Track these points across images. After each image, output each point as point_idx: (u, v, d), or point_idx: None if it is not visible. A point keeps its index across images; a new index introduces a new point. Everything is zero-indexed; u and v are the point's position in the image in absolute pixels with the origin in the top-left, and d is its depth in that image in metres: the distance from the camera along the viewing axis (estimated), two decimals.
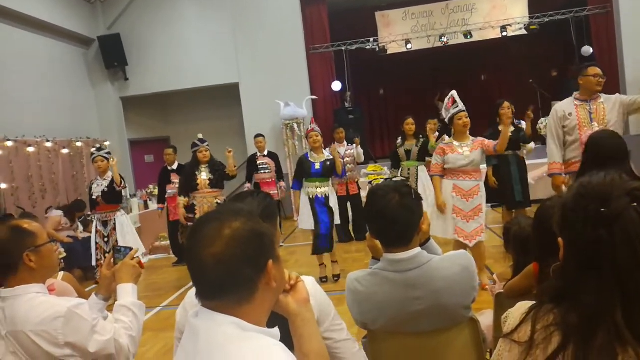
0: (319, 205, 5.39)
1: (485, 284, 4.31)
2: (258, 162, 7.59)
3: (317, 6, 10.52)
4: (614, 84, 9.17)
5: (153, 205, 8.76)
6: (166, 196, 7.51)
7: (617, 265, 1.02)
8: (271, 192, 7.21)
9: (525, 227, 2.38)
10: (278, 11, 10.20)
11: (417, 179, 6.13)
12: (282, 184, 7.77)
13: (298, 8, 10.29)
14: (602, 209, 1.04)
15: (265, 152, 7.73)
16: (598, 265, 1.04)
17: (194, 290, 1.47)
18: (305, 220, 5.51)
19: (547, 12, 10.24)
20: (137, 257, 1.93)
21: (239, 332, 1.01)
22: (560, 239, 1.14)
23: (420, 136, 6.37)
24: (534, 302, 1.18)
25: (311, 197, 5.42)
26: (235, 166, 5.94)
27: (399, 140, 6.39)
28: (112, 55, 10.46)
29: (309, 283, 1.51)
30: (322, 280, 5.46)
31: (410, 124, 6.19)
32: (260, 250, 1.07)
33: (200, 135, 6.09)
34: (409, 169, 6.16)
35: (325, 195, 5.43)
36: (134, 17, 10.62)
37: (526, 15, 10.55)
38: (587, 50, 9.79)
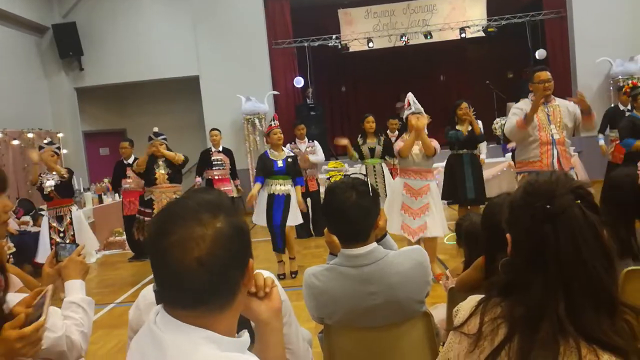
0: (277, 203, 5.37)
1: (439, 274, 4.43)
2: (212, 158, 7.33)
3: (279, 1, 10.46)
4: (566, 86, 9.52)
5: (108, 200, 8.54)
6: (122, 190, 7.33)
7: (561, 260, 1.06)
8: (224, 189, 7.15)
9: (477, 223, 2.44)
10: (240, 4, 10.09)
11: (383, 176, 6.19)
12: (237, 182, 7.49)
13: (261, 2, 10.21)
14: (548, 206, 1.08)
15: (220, 148, 7.45)
16: (543, 260, 1.08)
17: (148, 288, 1.45)
18: (258, 215, 5.50)
19: (504, 15, 10.53)
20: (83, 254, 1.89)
21: (218, 354, 0.91)
22: (508, 235, 1.18)
23: (380, 134, 6.43)
24: (484, 296, 1.21)
25: (270, 193, 5.41)
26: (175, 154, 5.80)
27: (360, 138, 6.41)
28: (67, 45, 10.10)
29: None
30: (280, 277, 5.44)
31: (370, 122, 6.23)
32: (244, 248, 0.99)
33: (155, 129, 5.96)
34: (374, 167, 6.21)
35: (286, 193, 5.42)
36: (91, 5, 10.29)
37: (484, 17, 10.81)
38: (542, 53, 10.13)
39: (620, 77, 9.11)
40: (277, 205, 5.38)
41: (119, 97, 11.54)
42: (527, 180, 1.19)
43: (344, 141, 6.27)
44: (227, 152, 7.48)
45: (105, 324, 4.54)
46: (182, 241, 0.92)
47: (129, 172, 7.10)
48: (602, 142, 7.10)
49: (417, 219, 4.63)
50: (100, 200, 8.45)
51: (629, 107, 6.72)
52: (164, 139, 5.80)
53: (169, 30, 10.21)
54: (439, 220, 4.71)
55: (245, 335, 1.01)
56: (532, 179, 1.18)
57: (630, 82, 7.70)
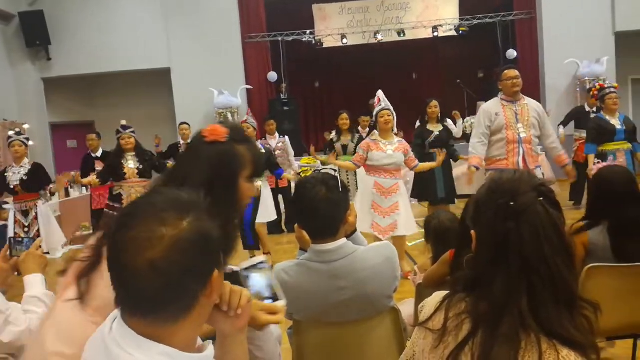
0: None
1: (407, 271, 4.50)
2: (181, 152, 7.32)
3: None
4: (534, 87, 9.73)
5: (75, 193, 8.35)
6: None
7: (524, 256, 1.09)
8: None
9: (444, 221, 2.50)
10: None
11: (355, 172, 6.22)
12: None
13: None
14: (511, 203, 1.11)
15: (190, 141, 7.39)
16: (507, 257, 1.10)
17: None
18: None
19: (476, 15, 10.68)
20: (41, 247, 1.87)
21: None
22: (473, 231, 1.20)
23: (355, 131, 6.47)
24: (449, 292, 1.23)
25: None
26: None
27: (334, 134, 6.43)
28: (34, 33, 9.80)
29: None
30: None
31: (344, 119, 6.25)
32: (208, 258, 0.90)
33: (123, 122, 5.86)
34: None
35: (257, 189, 5.42)
36: None
37: (457, 17, 10.93)
38: (512, 53, 10.31)
39: (586, 78, 9.35)
40: (249, 205, 5.35)
41: (87, 88, 11.28)
42: (491, 178, 1.22)
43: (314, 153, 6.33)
44: None
45: None
46: (138, 239, 0.85)
47: (98, 165, 6.97)
48: (561, 130, 7.40)
49: (387, 217, 4.69)
50: (67, 194, 8.26)
51: (595, 109, 6.93)
52: (132, 132, 5.71)
53: (140, 21, 10.02)
54: (407, 219, 4.78)
55: (209, 349, 0.96)
56: (497, 177, 1.21)
57: (597, 84, 7.90)
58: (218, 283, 0.94)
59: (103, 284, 1.19)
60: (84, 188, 8.14)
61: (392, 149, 4.73)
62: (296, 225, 1.94)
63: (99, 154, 7.10)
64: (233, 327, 1.06)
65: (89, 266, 1.25)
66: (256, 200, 5.36)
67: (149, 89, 10.85)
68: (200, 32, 9.94)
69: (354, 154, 6.17)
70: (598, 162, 2.94)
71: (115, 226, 0.90)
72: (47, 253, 6.26)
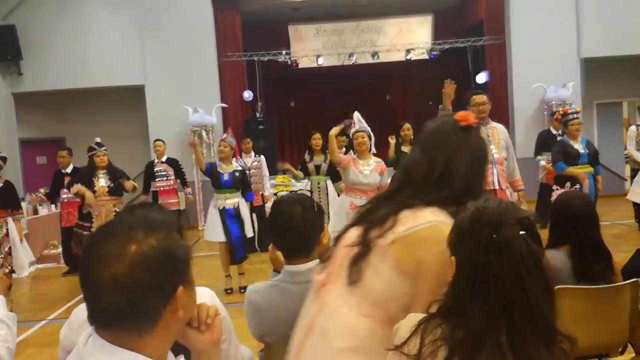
0: (229, 217, 5.34)
1: None
2: (155, 169, 7.13)
3: (230, 14, 10.43)
4: (504, 110, 9.99)
5: (43, 211, 8.16)
6: (59, 201, 7.03)
7: (504, 289, 1.09)
8: (170, 202, 7.01)
9: None
10: (189, 14, 9.97)
11: (327, 193, 6.25)
12: (188, 189, 7.30)
13: (210, 14, 10.14)
14: (494, 235, 1.11)
15: (164, 158, 7.25)
16: (486, 288, 1.10)
17: (81, 306, 1.41)
18: (212, 231, 5.42)
19: (448, 39, 10.95)
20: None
21: None
22: (453, 258, 1.21)
23: (327, 151, 6.51)
24: (424, 315, 1.25)
25: (220, 208, 5.36)
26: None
27: (307, 155, 6.45)
28: (5, 48, 9.62)
29: (206, 295, 1.50)
30: (227, 292, 5.39)
31: (317, 139, 6.29)
32: (172, 275, 0.93)
33: (97, 139, 5.79)
34: (319, 183, 6.26)
35: (235, 206, 5.38)
36: (32, 8, 9.86)
37: (429, 41, 11.20)
38: (482, 77, 10.59)
39: (553, 102, 9.64)
40: (230, 219, 5.34)
41: (59, 104, 11.08)
42: (475, 206, 1.21)
43: (287, 165, 6.31)
44: (171, 161, 7.28)
45: (36, 341, 4.33)
46: (104, 256, 0.89)
47: (68, 182, 6.85)
48: (542, 162, 7.45)
49: None
50: (35, 212, 8.07)
51: (560, 131, 7.13)
52: (105, 150, 5.66)
53: (114, 38, 9.95)
54: None
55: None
56: (481, 205, 1.20)
57: (561, 109, 8.16)
58: (185, 299, 0.96)
59: (373, 276, 1.32)
60: (53, 206, 7.97)
61: (368, 169, 4.81)
62: (270, 246, 1.95)
63: (69, 170, 6.98)
64: (205, 342, 1.07)
65: (359, 255, 1.34)
66: (237, 215, 5.36)
67: (121, 105, 10.73)
68: (176, 50, 9.92)
69: (327, 175, 6.23)
70: (557, 189, 3.02)
71: (87, 244, 0.94)
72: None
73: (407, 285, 1.33)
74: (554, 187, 4.92)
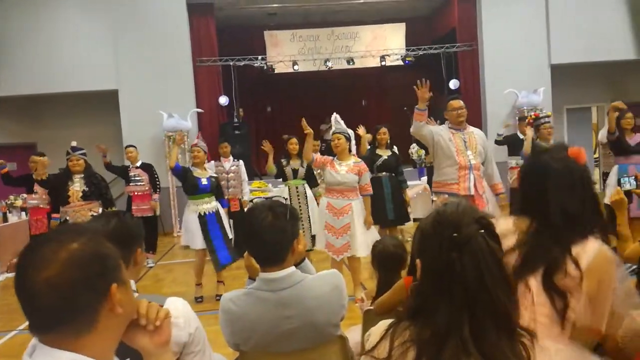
0: (211, 222, 5.30)
1: (359, 298, 4.53)
2: (130, 174, 7.08)
3: (205, 19, 10.38)
4: (476, 115, 10.15)
5: (13, 218, 7.97)
6: (29, 207, 6.88)
7: (466, 285, 1.14)
8: (144, 207, 6.93)
9: (389, 246, 2.55)
10: (164, 19, 9.89)
11: (306, 197, 6.24)
12: (156, 196, 7.17)
13: (185, 18, 10.08)
14: (455, 234, 1.17)
15: (139, 163, 7.20)
16: (450, 286, 1.15)
17: None
18: (192, 238, 5.35)
19: (421, 45, 11.10)
20: None
21: None
22: (418, 261, 1.25)
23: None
24: (393, 320, 1.28)
25: (201, 214, 5.31)
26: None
27: (283, 159, 6.43)
28: None
29: (179, 305, 1.50)
30: (197, 300, 5.33)
31: (293, 144, 6.27)
32: (102, 273, 0.97)
33: (74, 143, 5.69)
34: (297, 188, 6.25)
35: (214, 210, 5.37)
36: (4, 12, 9.65)
37: (403, 47, 11.33)
38: (455, 83, 10.75)
39: (524, 107, 9.85)
40: (212, 224, 5.29)
41: (30, 109, 10.85)
42: (436, 210, 1.27)
43: (268, 146, 6.23)
44: (145, 167, 7.22)
45: (5, 352, 4.23)
46: (36, 261, 0.93)
47: (37, 188, 6.71)
48: (514, 162, 7.65)
49: (340, 238, 4.76)
50: (5, 219, 7.88)
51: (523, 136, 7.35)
52: (83, 154, 5.55)
53: (87, 42, 9.80)
54: (362, 241, 4.79)
55: None
56: (441, 209, 1.26)
57: (532, 113, 8.35)
58: (122, 297, 0.99)
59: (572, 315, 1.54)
60: (23, 212, 7.79)
61: (344, 170, 4.81)
62: (246, 254, 1.95)
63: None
64: (154, 343, 1.09)
65: (564, 308, 1.54)
66: (219, 220, 5.35)
67: (95, 110, 10.56)
68: (150, 54, 9.82)
69: (304, 179, 6.23)
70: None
71: (20, 256, 0.98)
72: None
73: (589, 306, 1.56)
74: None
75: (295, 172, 6.18)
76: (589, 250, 1.57)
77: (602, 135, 7.43)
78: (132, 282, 1.61)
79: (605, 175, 7.25)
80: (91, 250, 0.97)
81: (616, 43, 10.28)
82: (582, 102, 11.27)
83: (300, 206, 6.04)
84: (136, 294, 1.54)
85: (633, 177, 3.06)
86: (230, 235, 5.51)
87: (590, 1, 10.16)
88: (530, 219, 1.64)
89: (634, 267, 2.51)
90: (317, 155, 4.99)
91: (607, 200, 6.62)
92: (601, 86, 11.15)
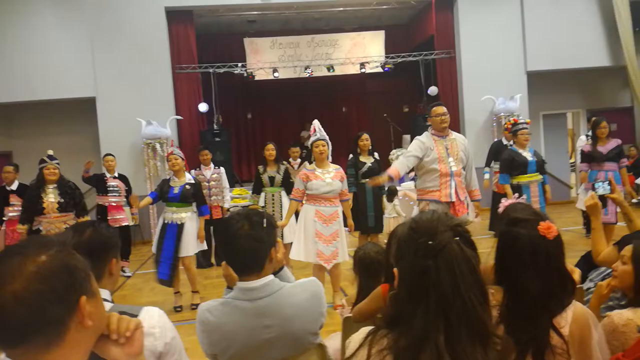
0: (170, 233, 5.19)
1: (339, 305, 4.54)
2: (107, 184, 6.95)
3: (184, 26, 10.32)
4: (455, 122, 10.27)
5: None
6: (4, 219, 6.73)
7: (441, 292, 1.15)
8: (119, 217, 6.84)
9: (370, 253, 2.56)
10: (143, 25, 9.80)
11: (281, 205, 6.23)
12: (135, 210, 7.13)
13: (164, 25, 10.00)
14: (430, 242, 1.18)
15: (116, 174, 7.11)
16: (426, 293, 1.16)
17: None
18: (155, 244, 5.33)
19: (400, 53, 11.21)
20: None
21: None
22: (395, 269, 1.26)
23: (282, 163, 6.50)
24: (372, 327, 1.28)
25: (166, 222, 5.26)
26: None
27: (260, 166, 6.41)
28: None
29: (155, 316, 1.48)
30: (177, 310, 5.27)
31: (270, 150, 6.25)
32: (71, 285, 0.95)
33: (50, 152, 5.60)
34: (273, 195, 6.24)
35: (179, 222, 5.22)
36: None
37: (382, 54, 11.43)
38: (434, 90, 10.87)
39: (502, 114, 9.99)
40: (169, 235, 5.18)
41: (5, 117, 10.64)
42: (412, 218, 1.30)
43: None
44: (122, 178, 7.15)
45: None
46: (2, 274, 0.91)
47: (13, 199, 6.57)
48: (487, 175, 7.67)
49: (330, 245, 4.78)
50: None
51: (511, 142, 7.39)
52: (57, 163, 5.48)
53: (64, 48, 9.65)
54: (344, 246, 4.91)
55: None
56: (417, 217, 1.29)
57: (511, 119, 8.46)
58: (91, 310, 0.98)
59: None
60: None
61: (329, 177, 4.85)
62: (223, 263, 1.93)
63: (14, 187, 6.70)
64: (126, 354, 1.08)
65: None
66: (178, 233, 5.22)
67: (72, 118, 10.40)
68: (129, 61, 9.72)
69: (281, 186, 6.22)
70: (505, 200, 3.10)
71: None
72: None
73: None
74: (503, 199, 5.09)
75: (272, 179, 6.17)
76: (568, 316, 1.56)
77: (582, 140, 7.59)
78: (107, 292, 1.59)
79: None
80: (59, 263, 0.96)
81: (590, 51, 10.53)
82: (558, 108, 11.49)
83: (274, 214, 6.00)
84: (111, 305, 1.51)
85: (607, 182, 3.12)
86: (195, 250, 5.41)
87: (565, 10, 10.38)
88: (504, 291, 1.59)
89: (608, 270, 2.55)
90: (296, 194, 4.98)
91: (581, 205, 6.78)
92: (576, 93, 11.39)
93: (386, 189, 6.98)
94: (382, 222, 6.15)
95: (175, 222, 5.22)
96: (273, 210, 6.05)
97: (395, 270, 1.26)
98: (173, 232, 5.18)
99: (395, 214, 7.30)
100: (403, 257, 1.24)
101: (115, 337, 1.06)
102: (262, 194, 6.24)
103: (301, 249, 4.88)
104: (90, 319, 0.97)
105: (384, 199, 6.29)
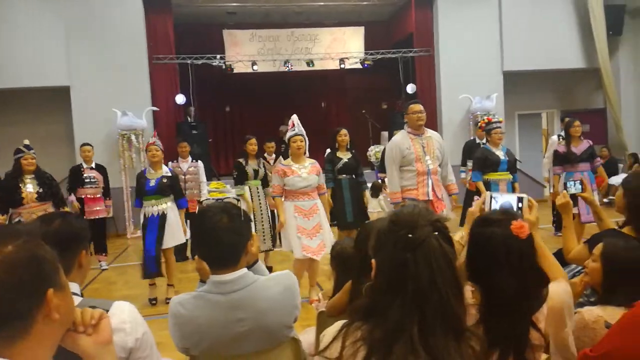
0: (151, 224, 5.14)
1: (315, 299, 4.56)
2: (84, 175, 6.74)
3: (162, 16, 10.16)
4: (432, 119, 10.34)
5: None
6: None
7: (418, 285, 1.16)
8: (98, 209, 6.71)
9: (347, 248, 2.57)
10: (119, 14, 9.60)
11: (265, 197, 6.22)
12: (110, 202, 6.95)
13: (141, 14, 9.83)
14: (410, 235, 1.19)
15: (93, 165, 6.88)
16: (403, 285, 1.17)
17: None
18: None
19: (380, 49, 11.25)
20: None
21: None
22: (373, 260, 1.27)
23: (262, 157, 6.49)
24: (347, 321, 1.29)
25: (146, 216, 5.19)
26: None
27: (242, 159, 6.38)
28: None
29: (126, 310, 1.46)
30: (152, 302, 5.20)
31: (254, 144, 6.25)
32: (38, 277, 0.93)
33: (26, 141, 5.47)
34: (257, 188, 6.23)
35: (161, 213, 5.18)
36: None
37: (362, 51, 11.46)
38: (412, 87, 10.94)
39: (478, 113, 10.11)
40: (151, 227, 5.13)
41: None
42: (393, 211, 1.31)
43: None
44: (100, 168, 6.94)
45: None
46: None
47: None
48: (463, 175, 7.74)
49: (314, 238, 4.80)
50: None
51: (484, 140, 7.46)
52: (34, 153, 5.37)
53: (38, 35, 9.39)
54: (331, 237, 4.96)
55: None
56: (398, 211, 1.30)
57: (485, 117, 8.57)
58: (59, 302, 0.96)
59: None
60: None
61: (306, 171, 4.86)
62: (196, 257, 1.91)
63: None
64: (95, 344, 1.07)
65: None
66: (160, 225, 5.17)
67: (45, 107, 10.14)
68: (105, 50, 9.52)
69: (264, 179, 6.21)
70: (477, 198, 3.13)
71: None
72: None
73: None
74: (476, 197, 5.19)
75: (255, 172, 6.16)
76: (544, 310, 1.59)
77: (553, 140, 7.72)
78: (77, 285, 1.56)
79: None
80: (27, 254, 0.93)
81: (565, 52, 10.73)
82: (533, 108, 11.68)
83: (261, 206, 6.05)
84: (81, 299, 1.48)
85: (579, 182, 3.18)
86: (182, 240, 5.37)
87: (542, 11, 10.54)
88: (480, 291, 1.57)
89: (579, 268, 2.61)
90: (276, 190, 4.96)
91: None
92: (551, 93, 11.59)
93: (369, 185, 7.00)
94: (362, 218, 6.16)
95: (157, 213, 5.17)
96: (260, 203, 6.04)
97: (373, 261, 1.27)
98: (155, 225, 5.13)
99: (380, 209, 7.33)
100: (382, 249, 1.25)
101: (82, 329, 1.05)
102: (247, 187, 6.21)
103: (286, 243, 4.97)
104: (57, 312, 0.95)
105: (367, 194, 6.31)
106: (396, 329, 1.16)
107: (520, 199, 1.90)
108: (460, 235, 1.90)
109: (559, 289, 1.62)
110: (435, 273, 1.17)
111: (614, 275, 1.99)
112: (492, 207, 1.91)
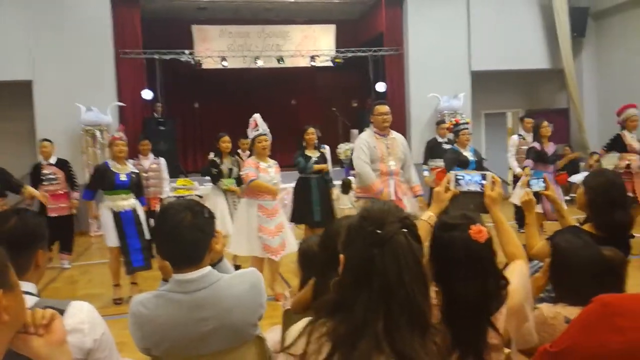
0: (127, 221, 5.04)
1: (280, 294, 4.56)
2: (43, 172, 6.54)
3: (129, 9, 9.94)
4: (401, 117, 10.45)
5: None
6: None
7: (385, 281, 1.17)
8: (62, 206, 6.52)
9: (312, 246, 2.56)
10: (85, 6, 9.33)
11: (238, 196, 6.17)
12: (75, 194, 6.69)
13: (108, 7, 9.60)
14: (378, 231, 1.20)
15: (53, 160, 6.68)
16: (369, 280, 1.18)
17: None
18: (107, 235, 5.12)
19: (350, 48, 11.28)
20: None
21: None
22: (341, 256, 1.27)
23: (234, 155, 6.43)
24: (312, 317, 1.28)
25: (116, 211, 5.07)
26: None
27: (212, 156, 6.27)
28: None
29: (85, 310, 1.42)
30: (117, 303, 5.09)
31: (227, 142, 6.18)
32: None
33: None
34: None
35: (132, 208, 5.12)
36: None
37: (333, 48, 11.47)
38: (382, 86, 11.01)
39: (445, 112, 10.24)
40: (128, 223, 5.03)
41: None
42: (363, 207, 1.33)
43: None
44: (61, 163, 6.72)
45: None
46: None
47: None
48: (426, 173, 7.82)
49: (276, 237, 4.79)
50: None
51: (446, 139, 7.57)
52: None
53: None
54: (292, 237, 4.98)
55: None
56: (368, 206, 1.31)
57: (453, 119, 8.70)
58: (8, 304, 0.94)
59: None
60: None
61: (272, 171, 4.91)
62: (158, 255, 1.87)
63: None
64: (47, 345, 1.04)
65: None
66: (136, 219, 5.11)
67: (6, 102, 9.79)
68: (69, 43, 9.25)
69: (238, 178, 6.14)
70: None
71: None
72: None
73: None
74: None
75: (230, 170, 6.10)
76: (503, 309, 1.59)
77: (513, 140, 7.89)
78: (33, 285, 1.50)
79: (516, 178, 7.64)
80: None
81: (531, 53, 10.96)
82: (499, 108, 11.92)
83: (235, 204, 5.96)
84: (37, 299, 1.43)
85: (542, 180, 3.25)
86: (148, 236, 5.30)
87: (508, 12, 10.74)
88: (441, 293, 1.56)
89: (541, 264, 2.67)
90: (248, 171, 4.90)
91: (516, 200, 7.06)
92: (517, 93, 11.84)
93: (341, 182, 7.01)
94: (330, 215, 6.16)
95: (128, 209, 5.08)
96: (234, 201, 5.97)
97: (341, 256, 1.27)
98: (131, 219, 5.05)
99: (350, 205, 7.36)
100: (351, 245, 1.25)
101: (33, 330, 1.01)
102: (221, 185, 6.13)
103: (243, 243, 4.85)
104: (7, 314, 0.92)
105: (335, 191, 6.32)
106: (361, 324, 1.16)
107: (483, 176, 1.96)
108: (428, 215, 1.91)
109: (518, 286, 1.65)
110: (402, 269, 1.17)
111: (561, 269, 2.05)
112: (458, 187, 1.97)
